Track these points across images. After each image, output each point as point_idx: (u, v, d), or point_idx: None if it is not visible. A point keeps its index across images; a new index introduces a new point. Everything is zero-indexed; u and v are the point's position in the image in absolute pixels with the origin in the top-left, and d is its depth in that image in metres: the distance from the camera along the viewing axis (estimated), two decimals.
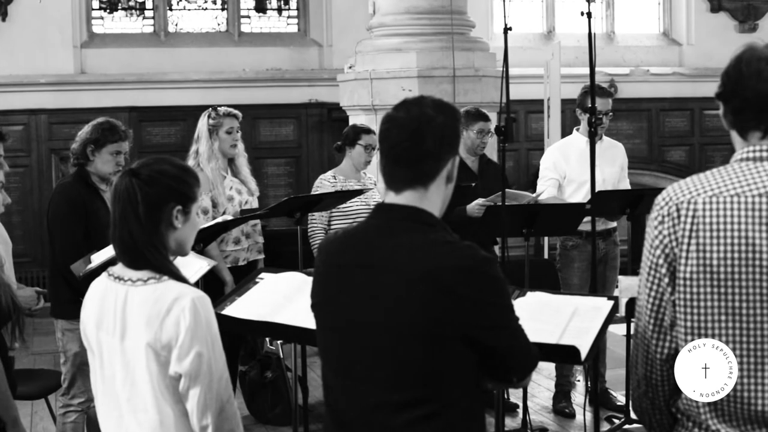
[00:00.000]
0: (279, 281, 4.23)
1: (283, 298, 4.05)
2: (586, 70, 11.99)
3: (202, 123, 6.65)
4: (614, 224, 7.30)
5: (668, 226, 2.77)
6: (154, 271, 3.12)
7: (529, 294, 3.91)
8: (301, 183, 11.73)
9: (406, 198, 2.89)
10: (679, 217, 2.76)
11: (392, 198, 2.93)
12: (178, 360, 3.03)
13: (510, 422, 7.10)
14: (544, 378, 8.01)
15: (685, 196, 2.77)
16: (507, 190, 6.14)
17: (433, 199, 2.91)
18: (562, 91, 9.74)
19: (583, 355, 3.54)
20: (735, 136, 2.86)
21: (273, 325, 3.99)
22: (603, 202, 6.53)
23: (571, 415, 7.24)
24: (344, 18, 11.70)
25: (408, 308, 2.78)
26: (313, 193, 7.03)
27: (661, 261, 2.78)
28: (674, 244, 2.76)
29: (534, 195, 6.91)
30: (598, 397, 6.93)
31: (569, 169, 7.12)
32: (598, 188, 6.72)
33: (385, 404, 2.84)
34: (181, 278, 3.16)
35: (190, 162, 6.55)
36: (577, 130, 7.28)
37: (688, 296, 2.74)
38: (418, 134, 2.85)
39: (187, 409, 3.07)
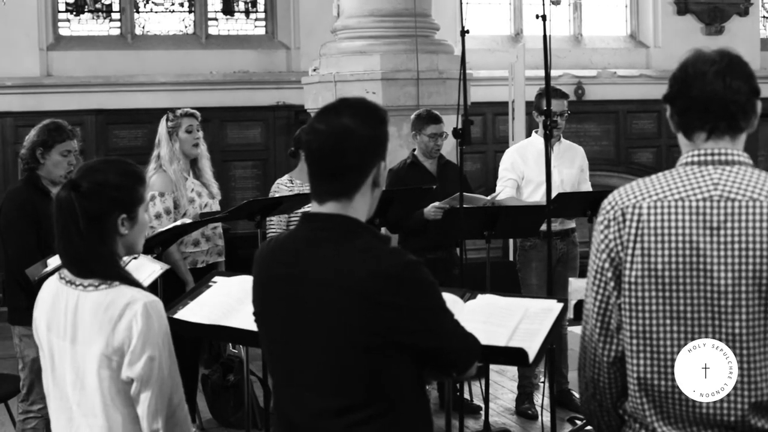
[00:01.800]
0: (231, 285, 4.22)
1: (236, 302, 4.04)
2: (553, 72, 11.99)
3: (162, 127, 6.65)
4: (573, 224, 7.34)
5: (614, 231, 2.80)
6: (102, 278, 3.12)
7: (480, 296, 3.90)
8: (268, 186, 11.55)
9: (329, 208, 2.89)
10: (624, 221, 2.78)
11: (316, 208, 2.92)
12: (130, 365, 3.03)
13: (473, 424, 7.13)
14: (507, 380, 8.03)
15: (630, 201, 2.80)
16: (464, 193, 6.16)
17: (358, 206, 2.91)
18: (528, 93, 9.74)
19: (531, 357, 3.55)
20: (681, 139, 2.90)
21: (224, 329, 3.98)
22: (564, 203, 6.56)
23: (534, 417, 7.26)
24: (312, 20, 11.68)
25: (338, 318, 2.79)
26: (270, 197, 7.04)
27: (606, 265, 2.81)
28: (620, 248, 2.78)
29: (489, 198, 6.93)
30: (561, 398, 6.98)
31: (527, 169, 7.16)
32: (556, 189, 6.79)
33: (327, 410, 2.85)
34: (133, 282, 3.16)
35: (151, 166, 6.55)
36: (536, 132, 7.33)
37: (634, 300, 2.76)
38: (339, 150, 2.84)
39: (138, 413, 3.07)
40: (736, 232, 2.69)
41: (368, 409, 2.83)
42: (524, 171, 7.20)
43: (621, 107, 12.91)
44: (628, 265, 2.77)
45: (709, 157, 2.80)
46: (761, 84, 9.92)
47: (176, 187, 6.52)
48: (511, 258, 9.77)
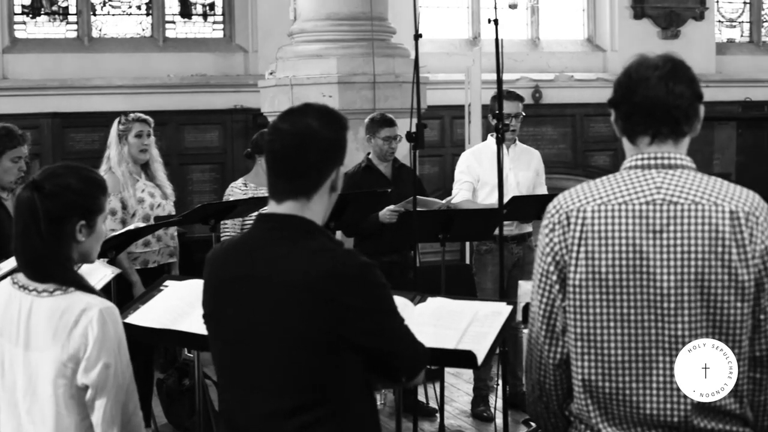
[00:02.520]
0: (183, 289, 4.23)
1: (187, 306, 4.05)
2: (510, 76, 12.11)
3: (113, 129, 6.73)
4: (529, 228, 7.37)
5: (558, 234, 2.83)
6: (59, 283, 3.11)
7: (430, 300, 3.94)
8: (226, 189, 11.65)
9: (286, 208, 2.92)
10: (568, 225, 2.81)
11: (273, 208, 2.95)
12: (86, 371, 3.02)
13: (429, 427, 7.15)
14: (463, 382, 8.06)
15: (575, 204, 2.83)
16: (418, 197, 6.18)
17: (315, 208, 2.94)
18: (484, 96, 9.77)
19: (480, 359, 3.59)
20: (626, 143, 2.93)
21: (175, 333, 3.99)
22: (518, 206, 6.59)
23: (489, 419, 7.29)
24: (270, 23, 11.64)
25: (290, 317, 2.81)
26: (224, 200, 7.04)
27: (551, 268, 2.84)
28: (564, 251, 2.81)
29: (444, 202, 6.95)
30: (515, 400, 7.00)
31: (483, 172, 7.19)
32: (512, 192, 6.82)
33: (276, 412, 2.87)
34: (88, 288, 3.15)
35: (103, 167, 6.59)
36: (491, 135, 7.34)
37: (578, 303, 2.79)
38: (302, 148, 2.88)
39: (92, 421, 3.06)
40: (679, 235, 2.72)
41: (317, 411, 2.84)
42: (480, 174, 7.23)
43: (578, 111, 12.96)
44: (572, 268, 2.80)
45: (653, 161, 2.84)
46: (717, 88, 10.15)
47: (124, 187, 6.57)
48: (468, 261, 9.81)
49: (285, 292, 2.82)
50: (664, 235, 2.73)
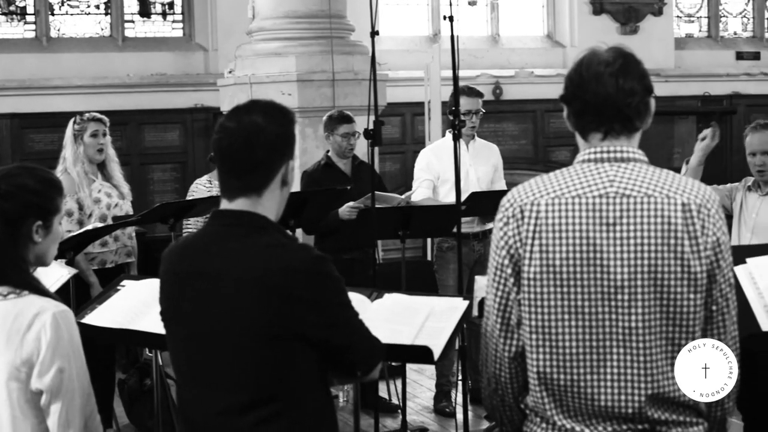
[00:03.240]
0: (140, 288, 4.22)
1: (143, 305, 4.04)
2: (471, 73, 12.14)
3: (69, 129, 6.70)
4: (491, 226, 7.35)
5: (512, 228, 2.84)
6: (13, 286, 3.08)
7: (386, 296, 3.95)
8: (187, 189, 11.44)
9: (239, 204, 2.94)
10: (522, 218, 2.82)
11: (226, 205, 2.97)
12: (39, 376, 3.00)
13: (391, 423, 7.15)
14: (426, 378, 8.07)
15: (529, 198, 2.84)
16: (377, 192, 6.18)
17: (267, 204, 2.95)
18: (444, 93, 9.78)
19: (436, 355, 3.61)
20: (578, 138, 2.94)
21: (132, 333, 3.98)
22: (477, 202, 6.60)
23: (452, 414, 7.30)
24: (229, 22, 11.59)
25: (245, 312, 2.82)
26: (188, 197, 7.02)
27: (506, 261, 2.85)
28: (518, 244, 2.82)
29: (403, 197, 6.96)
30: (478, 396, 7.00)
31: (442, 169, 7.19)
32: (471, 188, 6.85)
33: (231, 408, 2.87)
34: (43, 291, 3.12)
35: (59, 168, 6.56)
36: (450, 131, 7.34)
37: (533, 296, 2.80)
38: (249, 145, 2.89)
39: (48, 425, 3.04)
40: (632, 227, 2.74)
41: (273, 406, 2.86)
42: (440, 171, 7.23)
43: (538, 106, 13.00)
44: (526, 261, 2.81)
45: (605, 155, 2.85)
46: (677, 82, 10.19)
47: (79, 188, 6.54)
48: (429, 258, 9.83)
49: (239, 288, 2.83)
50: (618, 227, 2.75)
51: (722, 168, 13.76)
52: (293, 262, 2.84)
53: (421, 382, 8.10)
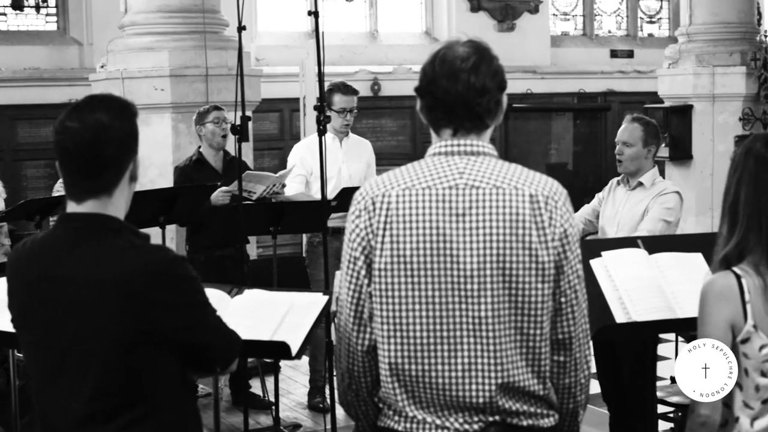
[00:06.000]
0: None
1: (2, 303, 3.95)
2: (349, 69, 12.15)
3: None
4: None
5: (364, 220, 2.85)
6: None
7: (247, 291, 3.94)
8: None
9: (89, 207, 2.85)
10: (374, 210, 2.83)
11: (74, 207, 2.88)
12: None
13: (265, 420, 7.12)
14: (300, 374, 8.07)
15: (380, 190, 2.85)
16: (249, 171, 6.13)
17: (117, 203, 2.89)
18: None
19: (294, 350, 3.60)
20: (431, 131, 2.96)
21: None
22: (348, 198, 6.58)
23: (326, 410, 7.27)
24: (104, 16, 11.43)
25: (100, 317, 2.76)
26: (54, 194, 6.91)
27: (358, 254, 2.85)
28: (370, 236, 2.83)
29: (277, 176, 6.91)
30: None
31: (316, 165, 7.16)
32: (344, 185, 6.85)
33: (93, 414, 2.81)
34: None
35: None
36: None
37: (384, 286, 2.81)
38: (97, 145, 2.80)
39: None
40: (481, 218, 2.77)
41: (135, 411, 2.81)
42: (313, 166, 7.20)
43: (417, 103, 13.06)
44: (378, 253, 2.82)
45: (456, 148, 2.88)
46: (552, 79, 10.39)
47: None
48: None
49: (93, 293, 2.76)
50: (467, 218, 2.78)
51: (596, 163, 14.03)
52: (149, 264, 2.78)
53: (296, 378, 8.09)
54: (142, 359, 2.79)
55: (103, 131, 2.81)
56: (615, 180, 6.03)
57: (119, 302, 2.75)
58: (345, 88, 7.29)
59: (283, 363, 7.72)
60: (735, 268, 3.09)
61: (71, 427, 2.85)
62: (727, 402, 3.06)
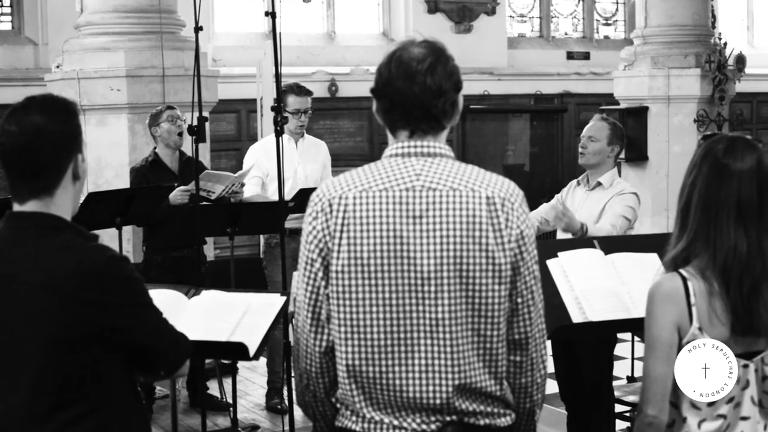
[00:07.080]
0: None
1: None
2: (307, 69, 12.13)
3: None
4: None
5: (321, 221, 2.85)
6: None
7: (204, 293, 3.94)
8: None
9: (30, 207, 2.85)
10: (331, 212, 2.83)
11: (18, 207, 2.88)
12: None
13: (223, 421, 7.11)
14: (258, 375, 8.06)
15: (337, 192, 2.85)
16: (208, 171, 6.11)
17: (60, 202, 2.88)
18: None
19: (252, 351, 3.60)
20: (388, 132, 2.96)
21: None
22: (305, 199, 6.58)
23: (284, 411, 7.26)
24: (60, 16, 11.33)
25: (39, 317, 2.75)
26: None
27: (315, 255, 2.85)
28: (328, 238, 2.83)
29: (236, 175, 6.90)
30: None
31: (272, 166, 7.16)
32: (300, 186, 6.86)
33: (34, 414, 2.80)
34: None
35: None
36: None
37: (341, 288, 2.81)
38: (33, 148, 2.80)
39: None
40: (438, 220, 2.78)
41: (76, 409, 2.80)
42: (269, 168, 7.20)
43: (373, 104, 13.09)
44: (335, 254, 2.82)
45: (412, 149, 2.88)
46: (509, 81, 10.42)
47: None
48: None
49: (32, 292, 2.76)
50: (424, 220, 2.78)
51: (553, 164, 14.10)
52: (84, 264, 2.78)
53: (254, 379, 8.08)
54: (81, 359, 2.79)
55: (38, 134, 2.80)
56: (574, 181, 6.08)
57: (55, 303, 2.74)
58: (298, 90, 7.29)
59: (240, 364, 7.71)
60: (682, 270, 3.10)
61: (12, 425, 2.84)
62: (675, 402, 3.08)
